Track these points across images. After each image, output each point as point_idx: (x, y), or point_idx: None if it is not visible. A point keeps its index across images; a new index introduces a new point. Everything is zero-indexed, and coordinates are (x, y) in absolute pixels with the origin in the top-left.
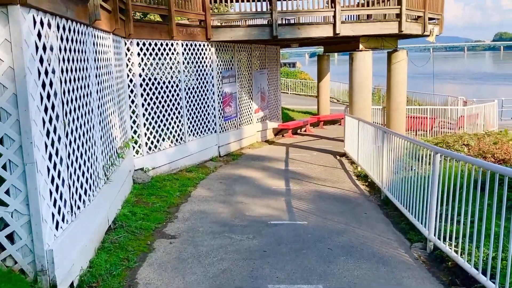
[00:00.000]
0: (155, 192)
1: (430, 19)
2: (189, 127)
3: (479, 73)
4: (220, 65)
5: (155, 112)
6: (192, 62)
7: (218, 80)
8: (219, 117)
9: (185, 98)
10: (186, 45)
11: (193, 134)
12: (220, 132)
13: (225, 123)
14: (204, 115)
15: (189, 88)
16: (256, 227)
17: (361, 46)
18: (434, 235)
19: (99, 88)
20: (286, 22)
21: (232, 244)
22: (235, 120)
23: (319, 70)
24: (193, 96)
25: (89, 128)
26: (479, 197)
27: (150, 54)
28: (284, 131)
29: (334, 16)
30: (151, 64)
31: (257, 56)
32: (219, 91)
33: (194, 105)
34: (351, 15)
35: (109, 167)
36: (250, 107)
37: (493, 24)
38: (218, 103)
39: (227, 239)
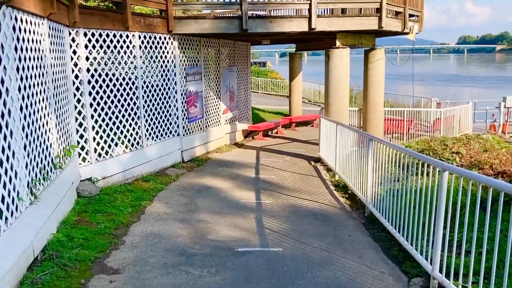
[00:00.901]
0: (103, 208)
1: (410, 15)
2: (147, 130)
3: (447, 75)
4: (184, 61)
5: (106, 113)
6: (152, 57)
7: (181, 78)
8: (183, 119)
9: (143, 97)
10: (144, 37)
11: (152, 138)
12: (183, 135)
13: (190, 125)
14: (165, 116)
15: (147, 86)
16: (220, 256)
17: (338, 43)
18: (440, 272)
19: (25, 84)
20: (257, 15)
21: (189, 283)
22: (201, 121)
23: (291, 69)
24: (152, 95)
25: (2, 136)
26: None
27: (101, 47)
28: (255, 133)
29: (310, 9)
30: (102, 58)
31: (225, 53)
32: (183, 90)
33: (153, 105)
34: (327, 9)
35: (39, 183)
36: (218, 108)
37: (457, 28)
38: (182, 103)
39: (183, 275)
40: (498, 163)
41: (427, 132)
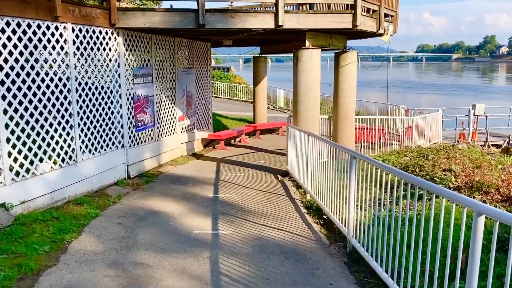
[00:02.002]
0: (10, 247)
1: (385, 15)
2: (83, 142)
3: (408, 82)
4: (132, 60)
5: (27, 122)
6: (89, 55)
7: (127, 80)
8: (129, 127)
9: (78, 102)
10: (80, 30)
11: (90, 151)
12: (130, 146)
13: (138, 135)
14: (107, 124)
15: (83, 89)
16: None
17: (307, 43)
18: None
19: None
20: (217, 9)
21: None
22: (152, 130)
23: (255, 73)
24: (90, 100)
25: None
26: None
27: (20, 40)
28: (216, 142)
29: (276, 4)
30: (21, 54)
31: (182, 53)
32: (129, 94)
33: (91, 111)
34: (295, 7)
35: None
36: (173, 114)
37: (416, 37)
38: (128, 108)
39: None
40: (504, 186)
41: (398, 141)
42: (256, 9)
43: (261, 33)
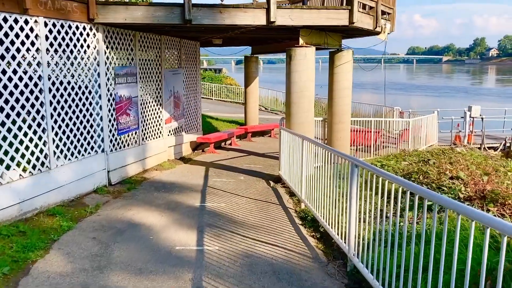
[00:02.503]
0: None
1: (382, 12)
2: (57, 146)
3: (400, 83)
4: (113, 58)
5: None
6: (64, 52)
7: (109, 79)
8: (110, 130)
9: (51, 103)
10: (54, 25)
11: (65, 156)
12: (111, 150)
13: (120, 138)
14: (85, 127)
15: (57, 89)
16: None
17: (301, 41)
18: None
19: None
20: (204, 4)
21: None
22: (136, 133)
23: (247, 74)
24: (66, 101)
25: None
26: None
27: None
28: (205, 145)
29: None
30: None
31: (169, 52)
32: (111, 94)
33: (66, 113)
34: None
35: None
36: (159, 116)
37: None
38: (109, 110)
39: None
40: None
41: (393, 144)
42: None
43: (252, 31)
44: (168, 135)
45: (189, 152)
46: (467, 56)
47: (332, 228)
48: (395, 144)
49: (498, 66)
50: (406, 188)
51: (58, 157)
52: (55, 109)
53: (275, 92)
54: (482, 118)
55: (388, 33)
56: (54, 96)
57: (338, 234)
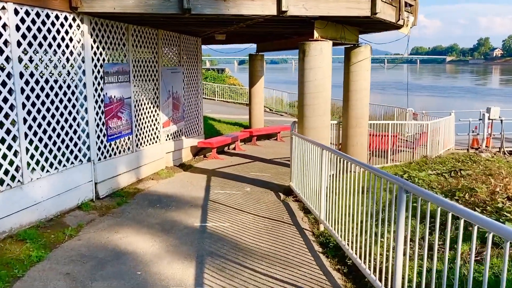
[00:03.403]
0: None
1: (405, 4)
2: (32, 157)
3: (405, 84)
4: (102, 54)
5: None
6: (41, 45)
7: (96, 78)
8: (98, 136)
9: (24, 106)
10: (27, 13)
11: (43, 168)
12: (99, 159)
13: (110, 145)
14: (66, 133)
15: (32, 89)
16: None
17: (316, 34)
18: None
19: None
20: None
21: None
22: (128, 138)
23: (251, 73)
24: (43, 103)
25: None
26: None
27: None
28: (207, 150)
29: None
30: None
31: (167, 48)
32: (98, 95)
33: (44, 117)
34: None
35: None
36: (156, 119)
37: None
38: (97, 113)
39: None
40: None
41: (409, 148)
42: None
43: (259, 24)
44: (166, 140)
45: (189, 158)
46: (471, 56)
47: (363, 261)
48: (411, 148)
49: (503, 66)
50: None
51: (33, 169)
52: (29, 113)
53: (280, 92)
54: (501, 120)
55: (410, 27)
56: (28, 98)
57: (372, 272)
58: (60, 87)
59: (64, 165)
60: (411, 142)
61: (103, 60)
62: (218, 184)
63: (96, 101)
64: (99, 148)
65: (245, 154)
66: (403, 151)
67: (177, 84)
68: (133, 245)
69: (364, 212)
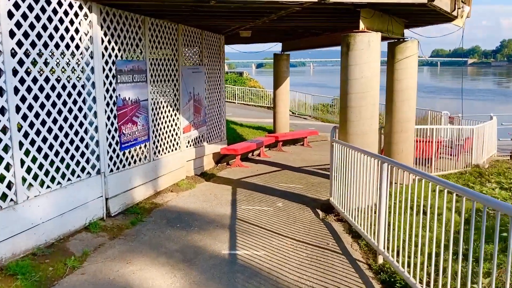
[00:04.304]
0: None
1: None
2: (28, 171)
3: (428, 86)
4: (114, 49)
5: None
6: (40, 37)
7: (107, 77)
8: (110, 144)
9: (19, 109)
10: None
11: (42, 184)
12: (111, 171)
13: (124, 154)
14: (71, 141)
15: (29, 90)
16: None
17: (362, 25)
18: None
19: None
20: None
21: None
22: (145, 146)
23: (276, 74)
24: (42, 106)
25: None
26: None
27: None
28: (230, 157)
29: None
30: None
31: (188, 45)
32: (110, 97)
33: (43, 123)
34: None
35: None
36: (176, 124)
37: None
38: (108, 117)
39: None
40: None
41: (453, 155)
42: None
43: (292, 15)
44: (187, 146)
45: (211, 165)
46: (494, 58)
47: None
48: (451, 155)
49: None
50: None
51: (30, 185)
52: (25, 117)
53: (302, 94)
54: None
55: (465, 18)
56: (23, 99)
57: None
58: (64, 87)
59: (69, 179)
60: (452, 148)
61: (116, 56)
62: (245, 197)
63: (108, 104)
64: (110, 158)
65: (271, 161)
66: (444, 158)
67: (198, 85)
68: (148, 282)
69: (448, 239)
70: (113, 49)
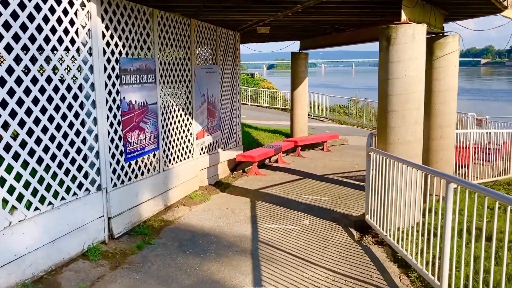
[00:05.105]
0: None
1: None
2: (11, 189)
3: None
4: (118, 45)
5: None
6: (25, 28)
7: (109, 77)
8: (112, 155)
9: (2, 115)
10: None
11: (29, 205)
12: (114, 186)
13: (130, 165)
14: (66, 154)
15: (11, 93)
16: None
17: (403, 16)
18: None
19: None
20: None
21: None
22: (154, 155)
23: (294, 74)
24: (29, 112)
25: None
26: None
27: None
28: (246, 164)
29: None
30: None
31: (201, 42)
32: (113, 100)
33: (31, 132)
34: None
35: None
36: (188, 130)
37: None
38: (111, 124)
39: None
40: None
41: (484, 160)
42: None
43: (318, 6)
44: (200, 154)
45: (226, 173)
46: (508, 58)
47: None
48: (485, 161)
49: None
50: None
51: (14, 208)
52: (5, 126)
53: (318, 95)
54: None
55: None
56: (3, 105)
57: None
58: (56, 89)
59: (63, 198)
60: (489, 154)
61: (120, 53)
62: (266, 212)
63: (110, 108)
64: (114, 171)
65: (290, 169)
66: (477, 164)
67: (213, 87)
68: None
69: None
70: (116, 45)
